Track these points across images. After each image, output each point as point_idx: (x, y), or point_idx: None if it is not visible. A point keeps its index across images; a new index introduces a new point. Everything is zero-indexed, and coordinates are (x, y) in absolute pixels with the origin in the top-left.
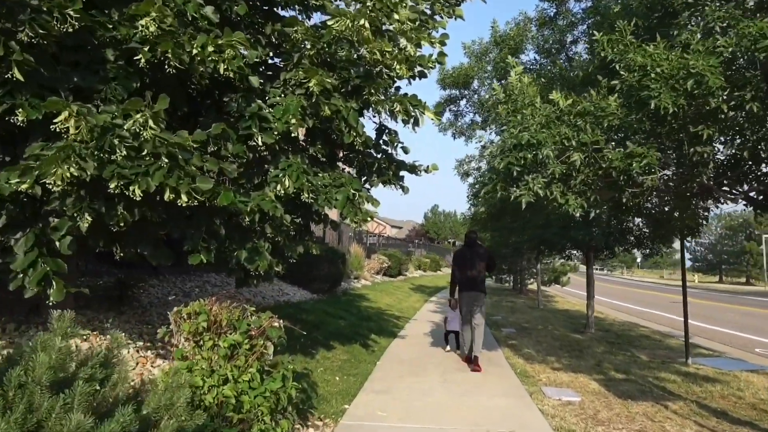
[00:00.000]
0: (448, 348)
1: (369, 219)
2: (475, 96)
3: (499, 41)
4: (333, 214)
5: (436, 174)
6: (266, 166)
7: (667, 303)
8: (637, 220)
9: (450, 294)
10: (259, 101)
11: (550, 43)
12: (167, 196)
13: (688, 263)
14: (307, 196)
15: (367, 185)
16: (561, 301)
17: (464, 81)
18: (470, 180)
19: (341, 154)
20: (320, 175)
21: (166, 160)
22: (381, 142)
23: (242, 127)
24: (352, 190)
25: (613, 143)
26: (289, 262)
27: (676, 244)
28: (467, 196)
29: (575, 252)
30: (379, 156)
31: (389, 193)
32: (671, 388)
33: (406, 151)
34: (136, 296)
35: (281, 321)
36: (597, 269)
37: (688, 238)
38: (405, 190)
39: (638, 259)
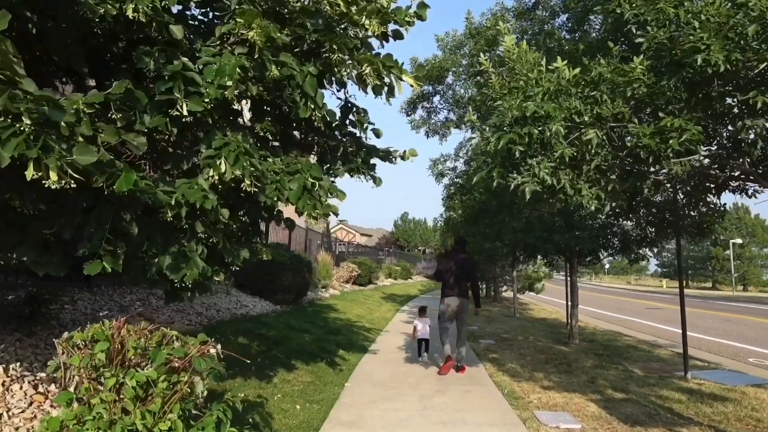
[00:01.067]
0: (420, 358)
1: (332, 214)
2: (450, 92)
3: (474, 33)
4: (292, 213)
5: (407, 180)
6: (198, 147)
7: (641, 309)
8: (626, 222)
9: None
10: (185, 59)
11: (528, 34)
12: (30, 173)
13: (653, 269)
14: (249, 184)
15: (330, 175)
16: (536, 309)
17: (438, 75)
18: (445, 181)
19: (298, 136)
20: (270, 160)
21: (29, 122)
22: (347, 122)
23: (160, 91)
24: (311, 179)
25: (636, 118)
26: (232, 271)
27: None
28: (442, 199)
29: (556, 258)
30: (344, 139)
31: (358, 187)
32: (679, 409)
33: (377, 134)
34: (54, 313)
35: (218, 347)
36: (562, 275)
37: (671, 242)
38: (377, 181)
39: (606, 266)
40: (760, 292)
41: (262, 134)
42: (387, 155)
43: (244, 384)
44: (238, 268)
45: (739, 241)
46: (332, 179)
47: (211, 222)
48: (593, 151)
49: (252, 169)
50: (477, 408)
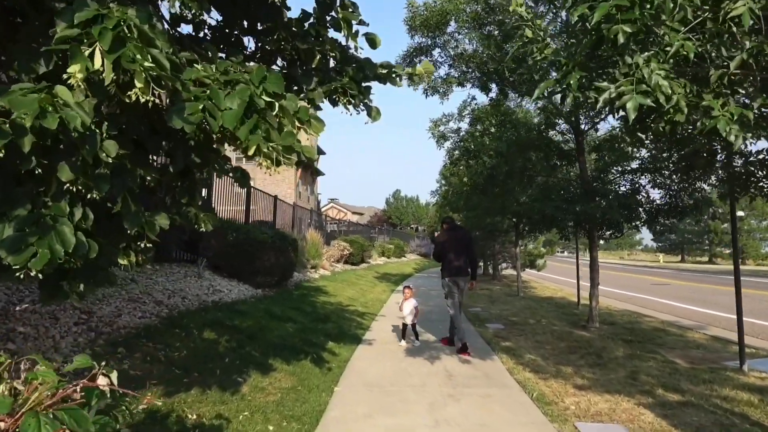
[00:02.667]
0: (401, 342)
1: (303, 158)
2: (453, 43)
3: None
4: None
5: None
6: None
7: (648, 285)
8: (654, 192)
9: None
10: None
11: None
12: None
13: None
14: (142, 90)
15: (301, 97)
16: (539, 288)
17: (438, 22)
18: (447, 144)
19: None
20: (199, 66)
21: None
22: (328, 20)
23: None
24: (264, 96)
25: None
26: (146, 249)
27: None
28: (443, 166)
29: (573, 231)
30: (324, 47)
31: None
32: (756, 416)
33: (373, 43)
34: None
35: (112, 374)
36: (558, 251)
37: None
38: (373, 112)
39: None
40: (758, 265)
41: (180, 14)
42: (387, 74)
43: (200, 398)
44: (151, 245)
45: (741, 213)
46: (313, 107)
47: (87, 165)
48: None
49: (150, 65)
50: (504, 421)
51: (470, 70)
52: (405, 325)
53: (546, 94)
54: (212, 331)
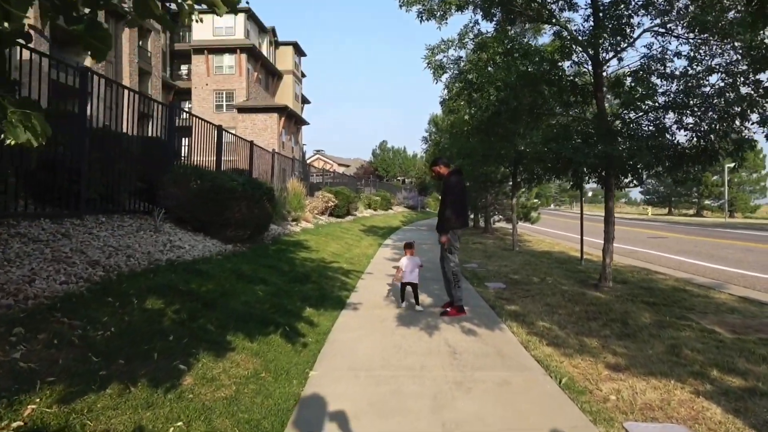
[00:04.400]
0: (404, 304)
1: None
2: None
3: None
4: None
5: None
6: None
7: (644, 239)
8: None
9: (445, 230)
10: None
11: None
12: None
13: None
14: None
15: None
16: (534, 241)
17: None
18: (446, 78)
19: None
20: None
21: None
22: None
23: None
24: None
25: None
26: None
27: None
28: (441, 101)
29: (588, 178)
30: None
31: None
32: None
33: None
34: None
35: None
36: (554, 205)
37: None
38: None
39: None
40: (745, 218)
41: None
42: None
43: (118, 400)
44: None
45: (731, 164)
46: None
47: None
48: None
49: None
50: (531, 417)
51: None
52: (405, 285)
53: None
54: (159, 298)
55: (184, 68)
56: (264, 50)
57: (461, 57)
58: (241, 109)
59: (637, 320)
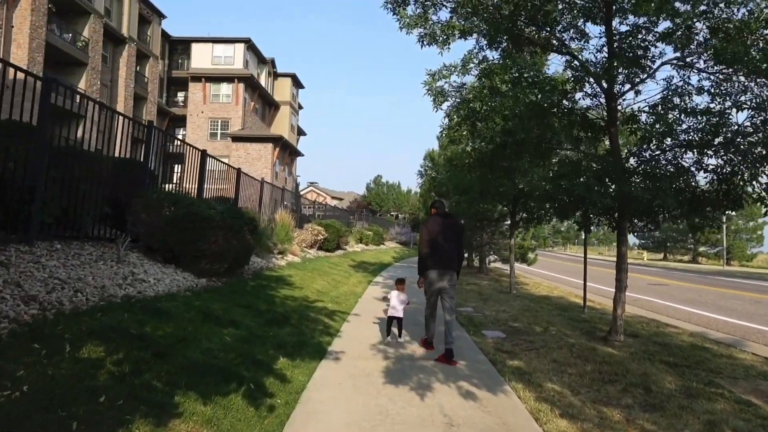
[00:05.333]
0: (389, 339)
1: None
2: None
3: None
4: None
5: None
6: None
7: (645, 285)
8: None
9: (419, 272)
10: None
11: None
12: None
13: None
14: None
15: None
16: (531, 284)
17: None
18: (446, 105)
19: None
20: None
21: None
22: None
23: None
24: None
25: None
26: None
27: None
28: (440, 132)
29: (599, 220)
30: None
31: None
32: None
33: None
34: None
35: None
36: (550, 246)
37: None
38: None
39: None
40: (742, 266)
41: None
42: None
43: None
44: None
45: (732, 213)
46: None
47: None
48: None
49: None
50: None
51: (477, 19)
52: (391, 318)
53: None
54: (100, 345)
55: (180, 95)
56: (262, 80)
57: (464, 84)
58: (236, 138)
59: (660, 386)
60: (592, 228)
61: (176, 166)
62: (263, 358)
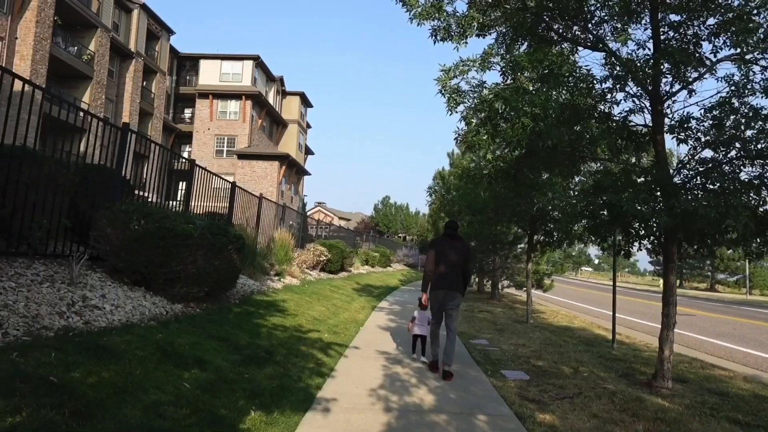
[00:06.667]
0: (414, 356)
1: None
2: None
3: None
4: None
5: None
6: None
7: None
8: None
9: (423, 288)
10: None
11: None
12: None
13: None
14: None
15: None
16: (548, 312)
17: None
18: (461, 108)
19: None
20: None
21: None
22: None
23: None
24: None
25: None
26: None
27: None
28: (456, 136)
29: (642, 244)
30: None
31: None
32: None
33: None
34: None
35: None
36: (570, 272)
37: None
38: None
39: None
40: (763, 295)
41: None
42: None
43: None
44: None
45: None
46: None
47: None
48: None
49: None
50: None
51: (499, 11)
52: (416, 337)
53: None
54: (5, 400)
55: (188, 112)
56: (270, 98)
57: (484, 82)
58: (242, 156)
59: None
60: (632, 251)
61: (181, 183)
62: (227, 413)
